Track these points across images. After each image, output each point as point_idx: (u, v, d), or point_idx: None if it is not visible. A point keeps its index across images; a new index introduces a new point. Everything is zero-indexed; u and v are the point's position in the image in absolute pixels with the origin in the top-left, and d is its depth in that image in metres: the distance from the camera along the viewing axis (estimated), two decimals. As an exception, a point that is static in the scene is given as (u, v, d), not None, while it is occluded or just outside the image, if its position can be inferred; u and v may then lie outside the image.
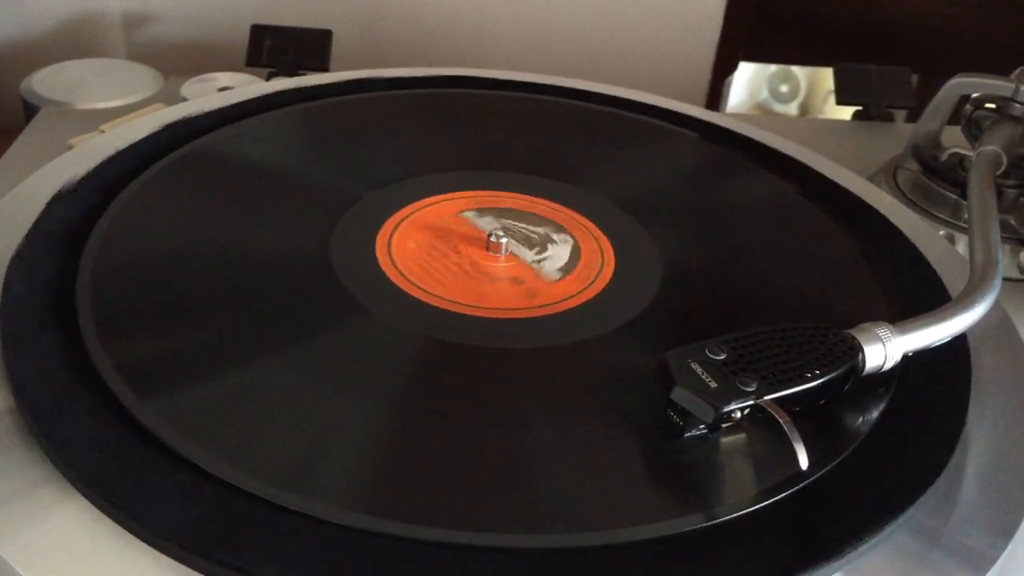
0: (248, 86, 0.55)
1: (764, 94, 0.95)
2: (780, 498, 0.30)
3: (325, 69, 0.64)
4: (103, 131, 0.53)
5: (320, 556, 0.28)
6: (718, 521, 0.30)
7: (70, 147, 0.51)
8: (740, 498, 0.30)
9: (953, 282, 0.41)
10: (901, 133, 0.59)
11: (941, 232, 0.51)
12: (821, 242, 0.45)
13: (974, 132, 0.54)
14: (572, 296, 0.40)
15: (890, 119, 0.67)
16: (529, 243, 0.43)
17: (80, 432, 0.31)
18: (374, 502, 0.29)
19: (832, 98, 0.68)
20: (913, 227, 0.47)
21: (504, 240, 0.42)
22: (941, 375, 0.37)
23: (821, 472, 0.31)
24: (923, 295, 0.41)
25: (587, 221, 0.45)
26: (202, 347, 0.35)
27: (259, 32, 0.65)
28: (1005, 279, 0.49)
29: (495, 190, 0.47)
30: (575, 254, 0.42)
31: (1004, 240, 0.50)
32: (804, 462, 0.29)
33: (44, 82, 0.61)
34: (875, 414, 0.34)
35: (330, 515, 0.28)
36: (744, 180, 0.51)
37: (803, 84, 0.94)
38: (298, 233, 0.42)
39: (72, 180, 0.43)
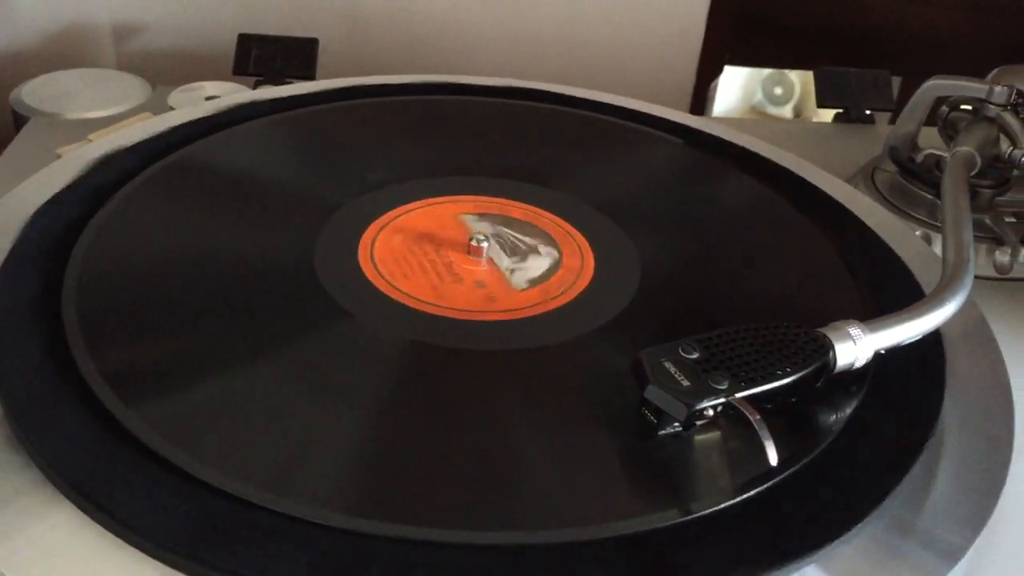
0: (233, 95, 0.56)
1: (758, 96, 0.96)
2: (755, 493, 0.31)
3: (312, 77, 0.65)
4: (91, 140, 0.54)
5: (304, 557, 0.28)
6: (693, 516, 0.30)
7: (59, 156, 0.52)
8: (715, 494, 0.31)
9: (930, 281, 0.42)
10: (881, 135, 0.60)
11: (918, 232, 0.52)
12: (799, 243, 0.46)
13: (950, 133, 0.55)
14: (532, 306, 0.40)
15: (870, 121, 0.67)
16: (512, 251, 0.43)
17: (67, 438, 0.31)
18: (355, 503, 0.30)
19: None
20: (890, 228, 0.48)
21: (484, 245, 0.42)
22: (916, 372, 0.38)
23: (796, 467, 0.32)
24: (899, 295, 0.41)
25: (576, 232, 0.45)
26: (187, 353, 0.36)
27: (246, 41, 0.66)
28: (982, 278, 0.50)
29: (477, 195, 0.47)
30: (552, 268, 0.42)
31: (980, 240, 0.51)
32: (773, 459, 0.30)
33: (33, 93, 0.61)
34: (849, 410, 0.35)
35: (314, 516, 0.29)
36: (725, 184, 0.51)
37: (797, 86, 0.95)
38: (281, 240, 0.43)
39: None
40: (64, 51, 0.76)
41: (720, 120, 0.64)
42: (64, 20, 0.76)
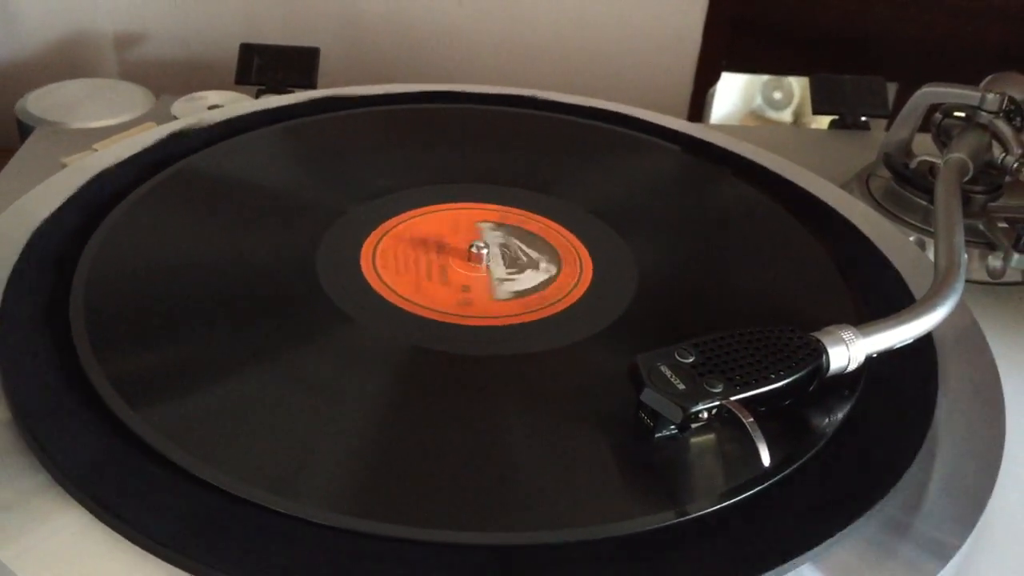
0: (237, 104, 0.56)
1: (758, 101, 0.96)
2: (750, 494, 0.32)
3: (313, 86, 0.65)
4: (96, 150, 0.55)
5: (309, 557, 0.29)
6: (689, 517, 0.31)
7: (64, 166, 0.53)
8: (711, 495, 0.32)
9: (924, 286, 0.43)
10: (877, 141, 0.60)
11: (912, 238, 0.52)
12: (794, 249, 0.47)
13: (943, 140, 0.56)
14: (503, 316, 0.40)
15: (866, 128, 0.68)
16: (511, 262, 0.44)
17: (75, 442, 0.32)
18: (358, 504, 0.31)
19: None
20: (884, 233, 0.48)
21: (484, 251, 0.43)
22: (909, 375, 0.38)
23: (791, 468, 0.33)
24: (891, 300, 0.42)
25: (574, 238, 0.46)
26: (193, 358, 0.37)
27: (248, 51, 0.66)
28: (975, 282, 0.51)
29: (478, 202, 0.48)
30: (542, 285, 0.42)
31: (973, 245, 0.52)
32: (766, 460, 0.30)
33: (38, 103, 0.62)
34: (843, 413, 0.35)
35: (318, 517, 0.30)
36: (721, 191, 0.52)
37: (796, 91, 0.95)
38: (285, 247, 0.43)
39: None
40: (67, 61, 0.77)
41: (718, 127, 0.65)
42: (67, 30, 0.77)
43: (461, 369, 0.37)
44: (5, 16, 0.75)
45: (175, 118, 0.59)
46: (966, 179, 0.51)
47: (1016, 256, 0.50)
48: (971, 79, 0.56)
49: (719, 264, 0.46)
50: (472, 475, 0.32)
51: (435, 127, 0.56)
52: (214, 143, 0.51)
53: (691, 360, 0.33)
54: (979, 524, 0.33)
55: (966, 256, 0.42)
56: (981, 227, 0.52)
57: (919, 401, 0.37)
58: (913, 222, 0.54)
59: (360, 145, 0.54)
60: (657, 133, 0.56)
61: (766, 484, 0.32)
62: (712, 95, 0.89)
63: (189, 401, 0.34)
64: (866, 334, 0.35)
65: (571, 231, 0.46)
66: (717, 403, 0.32)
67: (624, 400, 0.34)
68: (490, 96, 0.59)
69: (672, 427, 0.33)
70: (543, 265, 0.43)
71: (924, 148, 0.57)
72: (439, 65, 0.81)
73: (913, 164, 0.55)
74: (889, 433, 0.35)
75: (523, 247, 0.45)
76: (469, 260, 0.43)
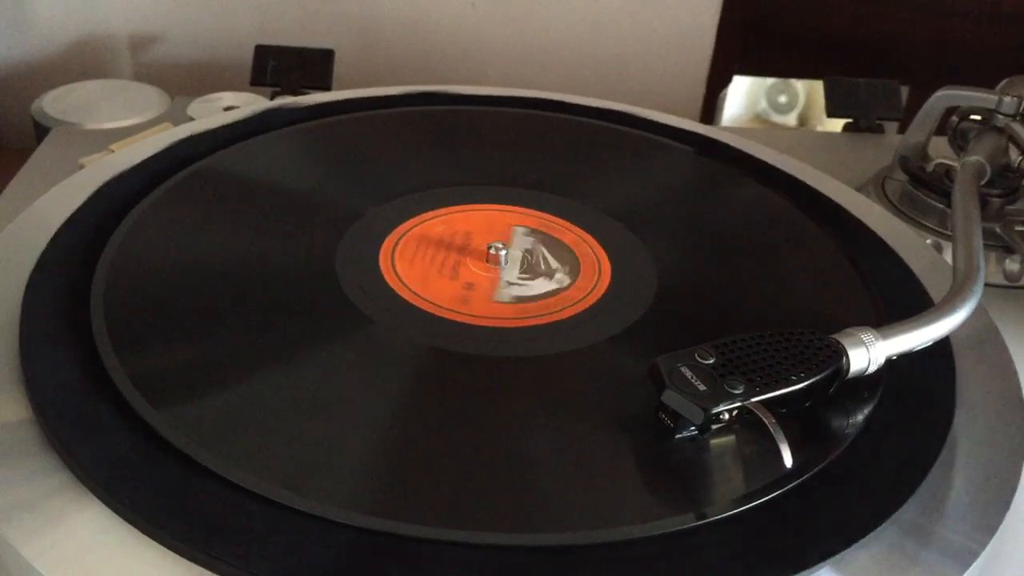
0: (254, 105, 0.56)
1: (763, 105, 0.96)
2: (771, 497, 0.32)
3: (328, 88, 0.66)
4: (113, 150, 0.55)
5: (328, 554, 0.29)
6: (708, 520, 0.31)
7: (81, 166, 0.53)
8: (731, 497, 0.32)
9: (941, 289, 0.43)
10: (891, 144, 0.60)
11: (928, 241, 0.52)
12: (811, 252, 0.47)
13: (959, 143, 0.55)
14: (497, 318, 0.40)
15: (880, 131, 0.68)
16: (528, 268, 0.43)
17: (96, 440, 0.32)
18: (377, 503, 0.31)
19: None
20: (901, 236, 0.48)
21: (503, 253, 0.43)
22: (927, 379, 0.38)
23: (812, 472, 0.33)
24: (909, 303, 0.42)
25: (602, 252, 0.45)
26: (212, 357, 0.37)
27: (263, 52, 0.67)
28: (991, 286, 0.50)
29: (497, 203, 0.48)
30: (548, 295, 0.42)
31: (990, 248, 0.51)
32: (788, 461, 0.30)
33: (54, 103, 0.62)
34: (863, 416, 0.35)
35: (336, 515, 0.30)
36: (737, 194, 0.52)
37: (801, 95, 0.95)
38: (304, 247, 0.43)
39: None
40: (82, 63, 0.77)
41: (735, 130, 0.65)
42: (82, 32, 0.77)
43: (481, 371, 0.37)
44: (21, 18, 0.75)
45: (191, 119, 0.59)
46: (983, 182, 0.51)
47: (1033, 259, 0.50)
48: (984, 83, 0.55)
49: (737, 268, 0.46)
50: (490, 476, 0.32)
51: (450, 129, 0.56)
52: (233, 144, 0.51)
53: (711, 361, 0.33)
54: (1001, 528, 0.33)
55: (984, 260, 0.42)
56: (998, 231, 0.52)
57: (938, 404, 0.37)
58: (930, 225, 0.54)
59: (376, 147, 0.54)
60: (675, 136, 0.56)
61: (786, 488, 0.32)
62: (724, 98, 0.89)
63: (209, 400, 0.34)
64: (886, 336, 0.35)
65: (594, 236, 0.46)
66: (738, 404, 0.32)
67: (644, 402, 0.34)
68: (503, 98, 0.59)
69: (692, 428, 0.33)
70: (558, 276, 0.43)
71: (940, 151, 0.57)
72: (453, 68, 0.81)
73: (930, 167, 0.55)
74: (909, 437, 0.35)
75: (547, 255, 0.44)
76: (487, 261, 0.43)
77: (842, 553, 0.30)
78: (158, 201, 0.45)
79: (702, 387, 0.32)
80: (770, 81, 0.93)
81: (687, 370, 0.32)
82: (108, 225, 0.43)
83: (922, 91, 0.57)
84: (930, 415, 0.36)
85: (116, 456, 0.32)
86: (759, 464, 0.32)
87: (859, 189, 0.56)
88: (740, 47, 0.86)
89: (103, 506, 0.30)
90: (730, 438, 0.33)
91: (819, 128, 0.86)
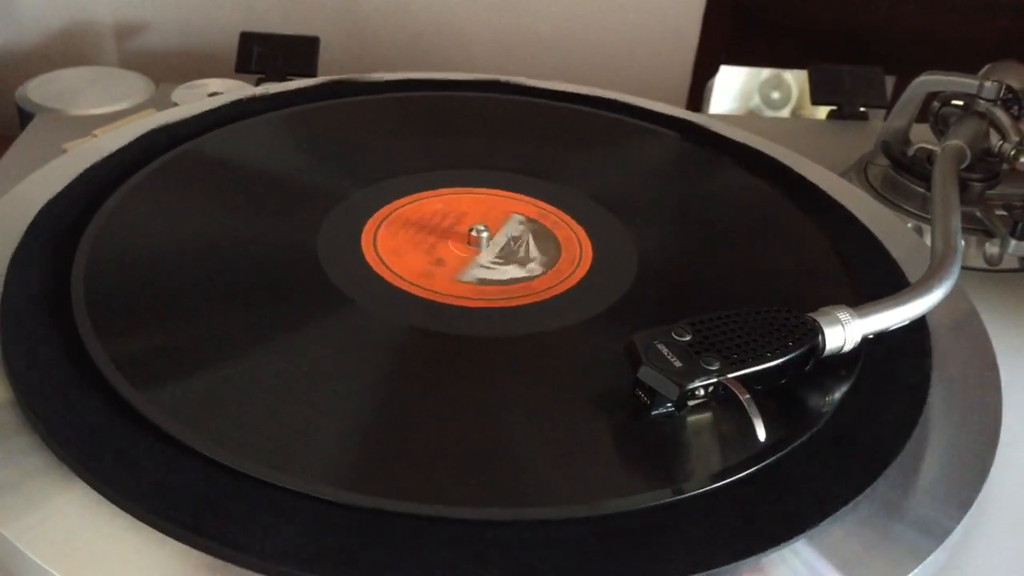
0: (236, 91, 0.56)
1: (755, 100, 0.96)
2: (748, 473, 0.32)
3: (313, 75, 0.66)
4: (96, 136, 0.55)
5: (308, 531, 0.29)
6: (685, 496, 0.31)
7: (64, 151, 0.53)
8: (706, 474, 0.32)
9: (920, 272, 0.43)
10: (874, 132, 0.60)
11: (909, 224, 0.53)
12: (792, 235, 0.47)
13: (940, 128, 0.56)
14: (453, 295, 0.40)
15: (864, 118, 0.68)
16: (505, 254, 0.43)
17: (77, 420, 0.32)
18: (357, 479, 0.31)
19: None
20: (882, 220, 0.49)
21: (484, 235, 0.43)
22: (904, 358, 0.38)
23: (788, 449, 0.33)
24: (889, 285, 0.42)
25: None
26: (194, 338, 0.37)
27: (248, 39, 0.67)
28: (973, 269, 0.51)
29: (478, 187, 0.48)
30: (511, 281, 0.42)
31: (971, 232, 0.52)
32: (762, 435, 0.31)
33: (38, 90, 0.62)
34: (839, 394, 0.36)
35: (315, 491, 0.30)
36: (721, 178, 0.52)
37: (794, 90, 0.95)
38: (285, 230, 0.44)
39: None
40: (67, 50, 0.77)
41: (717, 116, 0.65)
42: (67, 19, 0.77)
43: (461, 350, 0.37)
44: (6, 5, 0.75)
45: (176, 105, 0.59)
46: (964, 167, 0.51)
47: (1013, 243, 0.50)
48: (971, 71, 0.56)
49: (719, 251, 0.46)
50: (473, 452, 0.32)
51: (432, 114, 0.56)
52: (215, 128, 0.51)
53: (688, 339, 0.33)
54: (976, 506, 0.33)
55: (963, 241, 0.42)
56: (979, 214, 0.52)
57: (913, 383, 0.37)
58: (911, 209, 0.54)
59: (358, 132, 0.54)
60: (659, 122, 0.56)
61: (762, 464, 0.32)
62: (711, 88, 0.89)
63: (190, 380, 0.35)
64: (862, 315, 0.35)
65: (584, 229, 0.46)
66: (714, 380, 0.32)
67: (619, 381, 0.34)
68: (486, 83, 0.59)
69: (668, 405, 0.33)
70: (531, 266, 0.43)
71: (922, 138, 0.57)
72: (438, 54, 0.81)
73: (911, 152, 0.56)
74: (884, 414, 0.36)
75: (532, 245, 0.44)
76: (468, 243, 0.43)
77: (817, 527, 0.30)
78: (139, 184, 0.45)
79: (678, 363, 0.32)
80: (763, 76, 0.94)
81: (663, 347, 0.32)
82: (89, 208, 0.43)
83: (909, 81, 0.57)
84: (905, 394, 0.37)
85: (97, 436, 0.32)
86: (736, 440, 0.33)
87: (842, 175, 0.56)
88: (727, 36, 0.86)
89: (85, 486, 0.30)
90: (707, 415, 0.33)
91: (795, 117, 0.86)
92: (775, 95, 0.96)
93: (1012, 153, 0.52)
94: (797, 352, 0.33)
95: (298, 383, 0.35)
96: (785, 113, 0.97)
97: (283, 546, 0.28)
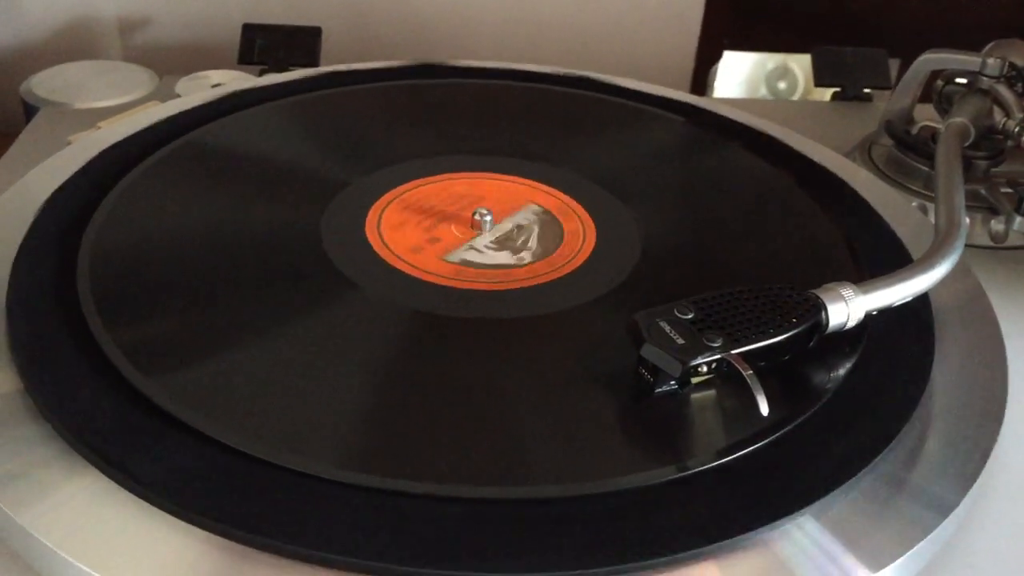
0: (238, 82, 0.57)
1: (762, 91, 0.96)
2: (752, 449, 0.32)
3: (315, 65, 0.66)
4: (100, 127, 0.55)
5: (317, 512, 0.29)
6: (689, 473, 0.31)
7: (69, 143, 0.53)
8: (710, 450, 0.32)
9: (925, 249, 0.43)
10: (879, 113, 0.60)
11: (914, 203, 0.52)
12: (796, 215, 0.47)
13: (944, 106, 0.56)
14: (432, 273, 0.40)
15: (868, 100, 0.68)
16: (501, 240, 0.43)
17: (87, 408, 0.32)
18: (366, 460, 0.31)
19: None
20: (886, 199, 0.49)
21: (488, 219, 0.43)
22: (908, 334, 0.38)
23: (792, 424, 0.33)
24: (894, 265, 0.42)
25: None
26: (200, 324, 0.37)
27: (250, 31, 0.67)
28: (978, 247, 0.51)
29: (478, 171, 0.49)
30: (493, 266, 0.42)
31: (976, 209, 0.52)
32: (764, 409, 0.31)
33: (43, 84, 0.63)
34: (844, 370, 0.36)
35: (324, 473, 0.30)
36: (726, 160, 0.52)
37: (801, 81, 0.95)
38: (289, 216, 0.44)
39: None
40: (71, 44, 0.77)
41: (721, 100, 0.65)
42: (71, 14, 0.77)
43: (465, 333, 0.37)
44: (10, 1, 0.75)
45: (179, 96, 0.59)
46: (968, 144, 0.51)
47: (1018, 219, 0.50)
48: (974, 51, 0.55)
49: (723, 232, 0.46)
50: (479, 432, 0.33)
51: (433, 101, 0.56)
52: (220, 118, 0.51)
53: (690, 316, 0.33)
54: (981, 481, 0.33)
55: (967, 219, 0.42)
56: (983, 192, 0.52)
57: (917, 358, 0.37)
58: (915, 188, 0.54)
59: (360, 120, 0.54)
60: (661, 105, 0.56)
61: (766, 439, 0.32)
62: (714, 73, 0.89)
63: (199, 365, 0.35)
64: (865, 291, 0.35)
65: (594, 221, 0.46)
66: (717, 357, 0.32)
67: (624, 359, 0.34)
68: (485, 70, 0.59)
69: (672, 382, 0.33)
70: (522, 255, 0.42)
71: (925, 117, 0.57)
72: (441, 43, 0.81)
73: (915, 130, 0.55)
74: (888, 390, 0.36)
75: (534, 237, 0.44)
76: (471, 227, 0.43)
77: (821, 501, 0.31)
78: (145, 172, 0.45)
79: (680, 341, 0.32)
80: (768, 66, 0.93)
81: (666, 325, 0.32)
82: (96, 197, 0.43)
83: (912, 62, 0.57)
84: (909, 369, 0.37)
85: (107, 423, 0.32)
86: (739, 418, 0.33)
87: (846, 155, 0.56)
88: (730, 20, 0.86)
89: (96, 472, 0.31)
90: (710, 393, 0.33)
91: (799, 99, 0.86)
92: (781, 85, 0.95)
93: (1016, 130, 0.52)
94: (800, 328, 0.34)
95: (297, 365, 0.35)
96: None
97: (299, 530, 0.28)
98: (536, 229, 0.44)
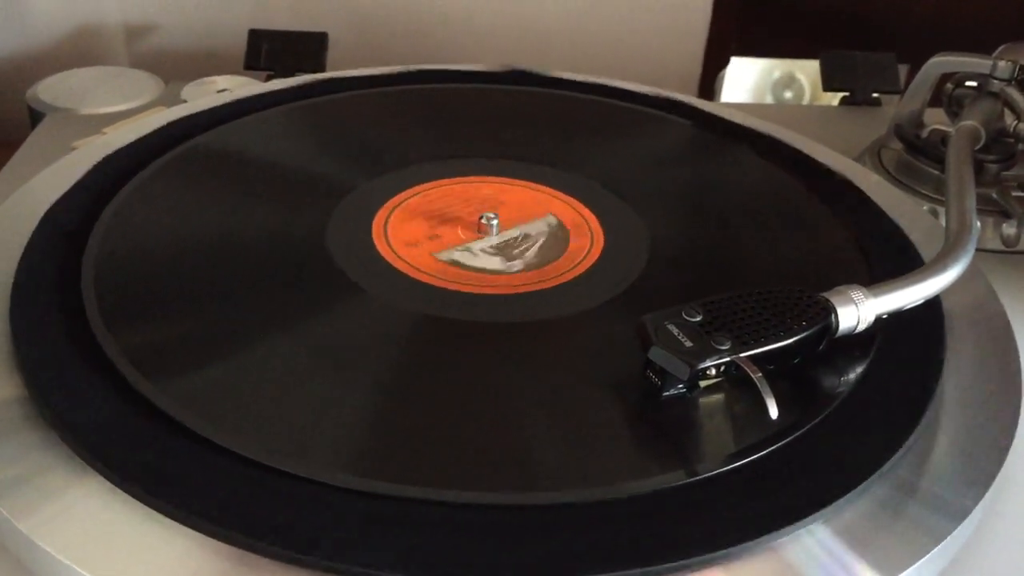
0: (244, 87, 0.56)
1: (768, 100, 0.96)
2: (762, 454, 0.32)
3: (321, 70, 0.66)
4: (106, 133, 0.55)
5: (322, 518, 0.29)
6: (698, 478, 0.31)
7: (75, 149, 0.53)
8: (719, 455, 0.31)
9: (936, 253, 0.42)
10: (888, 117, 0.60)
11: (925, 207, 0.52)
12: (807, 219, 0.46)
13: (954, 109, 0.55)
14: (423, 271, 0.40)
15: (877, 104, 0.68)
16: (502, 246, 0.43)
17: (91, 413, 0.32)
18: (372, 466, 0.31)
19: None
20: (897, 203, 0.48)
21: (495, 223, 0.43)
22: (918, 339, 0.38)
23: (803, 429, 0.33)
24: (905, 269, 0.41)
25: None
26: (203, 328, 0.37)
27: (256, 37, 0.67)
28: (989, 251, 0.50)
29: (484, 175, 0.48)
30: (486, 270, 0.41)
31: (987, 213, 0.51)
32: (774, 413, 0.30)
33: (49, 90, 0.63)
34: (854, 375, 0.35)
35: (329, 479, 0.30)
36: (735, 164, 0.52)
37: (807, 90, 0.95)
38: (295, 221, 0.44)
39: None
40: (77, 50, 0.77)
41: (729, 105, 0.65)
42: (77, 20, 0.77)
43: (472, 337, 0.37)
44: (17, 7, 0.75)
45: (184, 102, 0.59)
46: (979, 147, 0.51)
47: (1030, 223, 0.50)
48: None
49: (733, 236, 0.46)
50: (486, 437, 0.32)
51: (440, 106, 0.56)
52: (225, 123, 0.51)
53: (699, 319, 0.32)
54: (996, 487, 0.33)
55: (979, 222, 0.41)
56: (995, 195, 0.52)
57: (928, 362, 0.37)
58: (926, 192, 0.54)
59: (366, 125, 0.54)
60: (671, 110, 0.56)
61: (776, 444, 0.32)
62: (722, 79, 0.89)
63: (203, 370, 0.35)
64: (876, 294, 0.35)
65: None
66: (725, 360, 0.32)
67: (631, 364, 0.34)
68: (490, 74, 0.59)
69: (680, 386, 0.32)
70: (515, 263, 0.42)
71: (935, 121, 0.56)
72: (446, 47, 0.81)
73: (925, 134, 0.55)
74: (899, 394, 0.35)
75: (538, 247, 0.43)
76: (478, 231, 0.43)
77: (832, 507, 0.30)
78: (150, 178, 0.45)
79: (689, 343, 0.32)
80: (775, 75, 0.93)
81: (674, 327, 0.32)
82: (100, 202, 0.43)
83: (921, 68, 0.57)
84: (920, 373, 0.36)
85: (111, 428, 0.32)
86: (748, 422, 0.32)
87: (856, 159, 0.55)
88: (737, 25, 0.86)
89: (99, 478, 0.30)
90: (719, 396, 0.33)
91: (807, 104, 0.86)
92: (787, 94, 0.95)
93: (1027, 133, 0.52)
94: (809, 331, 0.33)
95: (313, 371, 0.35)
96: (798, 112, 0.97)
97: (303, 535, 0.28)
98: (542, 240, 0.44)
